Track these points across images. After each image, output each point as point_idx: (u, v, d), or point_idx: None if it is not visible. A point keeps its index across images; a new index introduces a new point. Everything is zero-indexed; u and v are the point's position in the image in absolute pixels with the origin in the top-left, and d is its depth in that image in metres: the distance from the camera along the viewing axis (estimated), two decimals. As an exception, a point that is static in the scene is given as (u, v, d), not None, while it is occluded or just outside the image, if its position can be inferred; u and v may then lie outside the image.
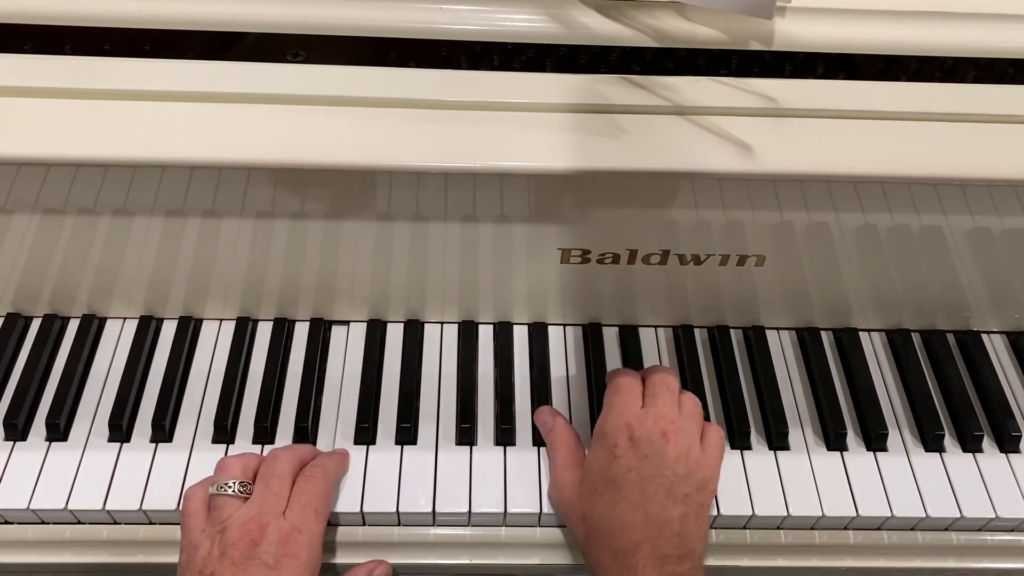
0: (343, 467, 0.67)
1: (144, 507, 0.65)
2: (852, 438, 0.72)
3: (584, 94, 0.64)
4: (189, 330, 0.76)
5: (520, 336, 0.78)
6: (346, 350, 0.76)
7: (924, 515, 0.67)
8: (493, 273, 0.73)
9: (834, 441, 0.71)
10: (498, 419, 0.71)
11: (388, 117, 0.63)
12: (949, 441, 0.72)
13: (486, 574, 0.68)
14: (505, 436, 0.70)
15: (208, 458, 0.68)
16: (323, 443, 0.70)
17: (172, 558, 0.66)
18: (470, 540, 0.67)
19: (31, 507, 0.65)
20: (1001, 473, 0.70)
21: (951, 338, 0.79)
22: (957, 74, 0.74)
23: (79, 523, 0.67)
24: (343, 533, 0.67)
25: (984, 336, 0.79)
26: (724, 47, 0.64)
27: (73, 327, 0.76)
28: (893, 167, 0.62)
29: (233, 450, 0.69)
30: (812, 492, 0.68)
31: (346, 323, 0.78)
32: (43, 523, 0.67)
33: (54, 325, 0.76)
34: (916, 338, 0.79)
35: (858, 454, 0.71)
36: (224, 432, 0.70)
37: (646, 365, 0.75)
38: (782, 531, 0.68)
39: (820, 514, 0.67)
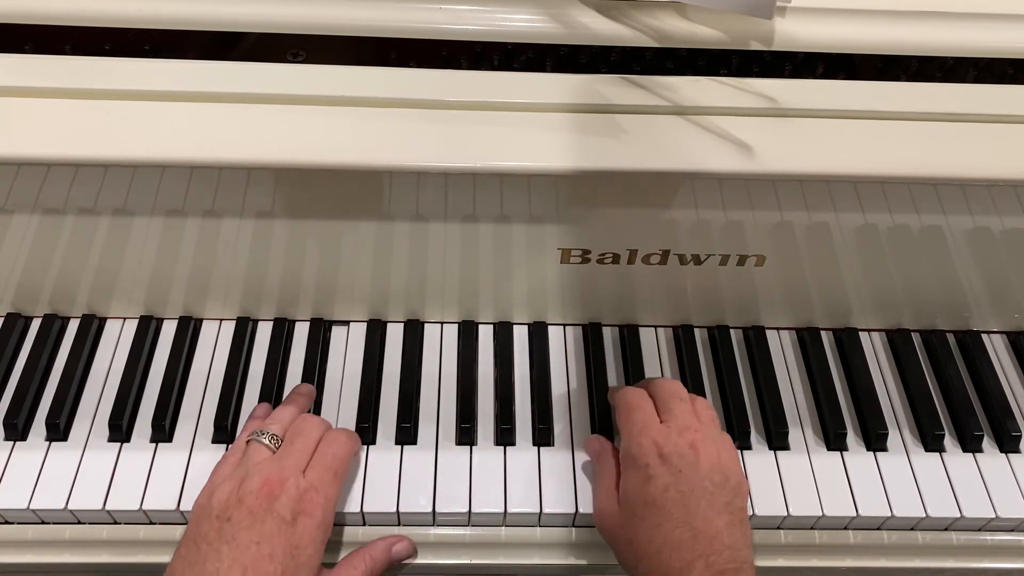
0: (359, 442, 0.68)
1: (144, 507, 0.65)
2: (852, 438, 0.72)
3: (584, 94, 0.64)
4: (189, 330, 0.76)
5: (520, 336, 0.78)
6: (346, 350, 0.76)
7: (924, 515, 0.67)
8: (493, 273, 0.73)
9: (834, 441, 0.71)
10: (498, 419, 0.71)
11: (388, 117, 0.63)
12: (949, 441, 0.72)
13: (486, 574, 0.68)
14: (505, 436, 0.70)
15: (208, 458, 0.68)
16: (323, 443, 0.70)
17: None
18: (470, 540, 0.67)
19: (31, 507, 0.65)
20: (1001, 473, 0.70)
21: (951, 338, 0.79)
22: (957, 74, 0.74)
23: (79, 523, 0.67)
24: (344, 533, 0.67)
25: (984, 336, 0.79)
26: (724, 47, 0.64)
27: (73, 327, 0.76)
28: (893, 167, 0.62)
29: (233, 450, 0.69)
30: (812, 492, 0.68)
31: (346, 323, 0.78)
32: (43, 523, 0.67)
33: (54, 325, 0.76)
34: (916, 338, 0.79)
35: (858, 454, 0.71)
36: (224, 432, 0.70)
37: (646, 365, 0.75)
38: (782, 531, 0.68)
39: (820, 514, 0.67)
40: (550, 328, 0.78)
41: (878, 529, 0.69)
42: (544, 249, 0.70)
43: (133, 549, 0.67)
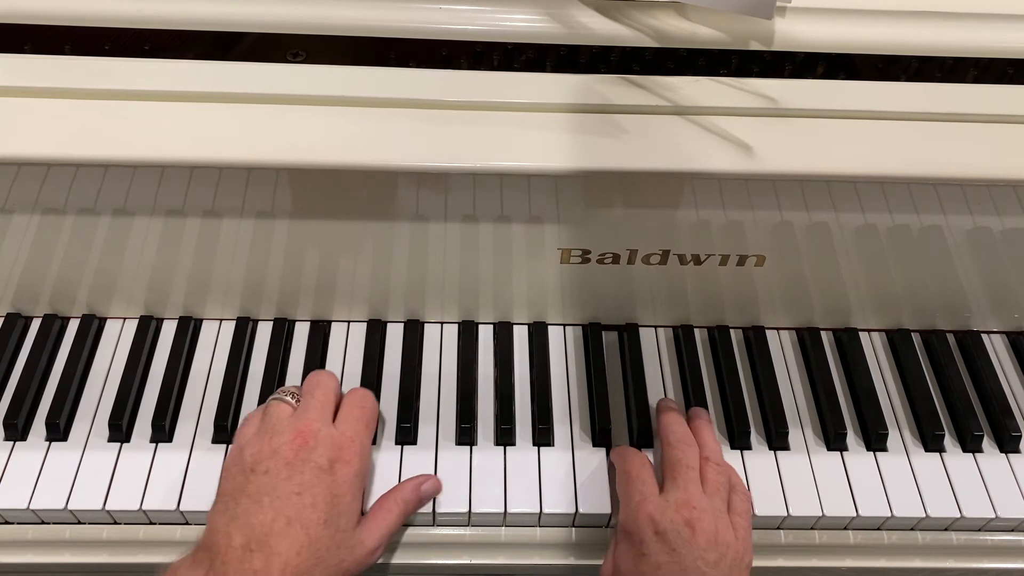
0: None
1: (144, 507, 0.65)
2: (852, 438, 0.72)
3: (584, 94, 0.64)
4: (189, 330, 0.76)
5: (520, 336, 0.78)
6: (346, 350, 0.76)
7: (924, 515, 0.67)
8: (493, 273, 0.73)
9: (834, 441, 0.71)
10: (498, 419, 0.71)
11: (388, 117, 0.63)
12: (949, 441, 0.72)
13: (486, 574, 0.68)
14: (505, 436, 0.70)
15: (208, 458, 0.68)
16: (323, 443, 0.70)
17: (172, 558, 0.66)
18: (470, 540, 0.67)
19: (31, 507, 0.65)
20: (1001, 473, 0.70)
21: (951, 338, 0.79)
22: (957, 74, 0.74)
23: (79, 523, 0.67)
24: (343, 533, 0.67)
25: (984, 336, 0.79)
26: (724, 47, 0.64)
27: (73, 327, 0.76)
28: (893, 167, 0.62)
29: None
30: (812, 492, 0.68)
31: (346, 323, 0.78)
32: (43, 523, 0.67)
33: (54, 325, 0.76)
34: (916, 338, 0.79)
35: (858, 454, 0.71)
36: (224, 432, 0.70)
37: (646, 365, 0.75)
38: (782, 531, 0.68)
39: (820, 514, 0.67)
40: (550, 328, 0.78)
41: (878, 529, 0.69)
42: (544, 249, 0.70)
43: (133, 549, 0.67)
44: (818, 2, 0.63)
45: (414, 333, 0.77)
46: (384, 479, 0.67)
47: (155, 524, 0.67)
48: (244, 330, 0.76)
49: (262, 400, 0.71)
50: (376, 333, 0.76)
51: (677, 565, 0.57)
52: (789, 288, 0.75)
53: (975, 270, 0.73)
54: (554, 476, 0.68)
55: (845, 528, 0.69)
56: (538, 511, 0.66)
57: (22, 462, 0.68)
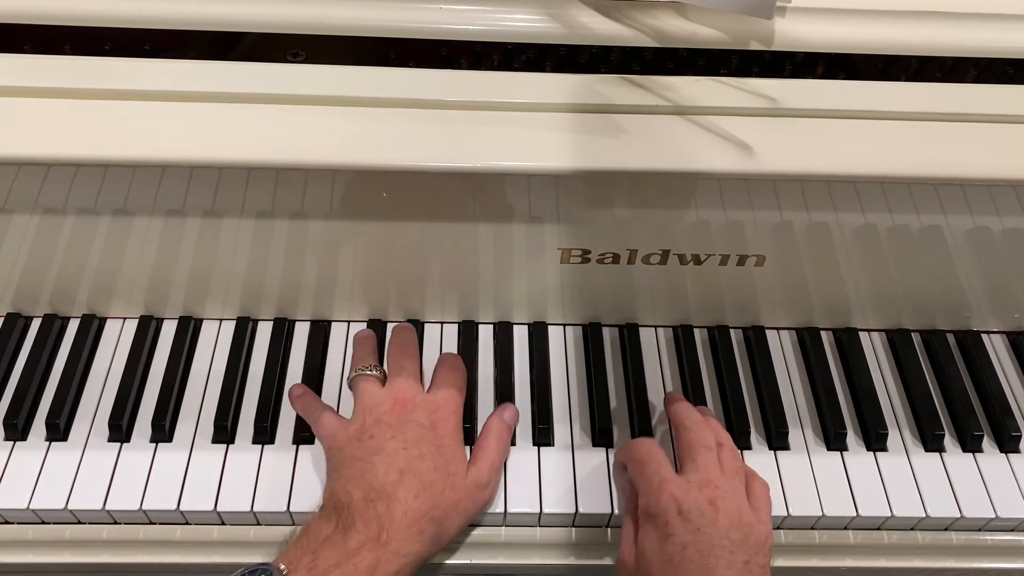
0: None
1: (144, 507, 0.65)
2: (852, 438, 0.72)
3: (584, 94, 0.64)
4: (189, 330, 0.76)
5: (520, 336, 0.78)
6: (346, 350, 0.76)
7: (924, 515, 0.67)
8: (493, 273, 0.73)
9: (834, 441, 0.71)
10: (498, 419, 0.71)
11: (388, 117, 0.63)
12: (949, 441, 0.72)
13: (486, 574, 0.68)
14: (505, 436, 0.70)
15: (208, 458, 0.68)
16: (323, 443, 0.70)
17: (172, 558, 0.66)
18: (469, 540, 0.67)
19: (31, 507, 0.65)
20: (1001, 473, 0.70)
21: (951, 338, 0.79)
22: (957, 74, 0.74)
23: (79, 523, 0.67)
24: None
25: (984, 336, 0.79)
26: (724, 47, 0.64)
27: (73, 327, 0.76)
28: (893, 167, 0.62)
29: (233, 450, 0.69)
30: (812, 492, 0.68)
31: (346, 323, 0.78)
32: (43, 523, 0.67)
33: (54, 325, 0.76)
34: (916, 338, 0.79)
35: (858, 454, 0.71)
36: (224, 432, 0.69)
37: (646, 365, 0.75)
38: (782, 531, 0.68)
39: (820, 514, 0.67)
40: (550, 328, 0.78)
41: (878, 529, 0.69)
42: (544, 249, 0.70)
43: (133, 549, 0.67)
44: (818, 2, 0.63)
45: (414, 333, 0.77)
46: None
47: (155, 524, 0.67)
48: (244, 330, 0.76)
49: (262, 400, 0.71)
50: (377, 333, 0.76)
51: (703, 544, 0.57)
52: (789, 288, 0.75)
53: (975, 270, 0.73)
54: (554, 476, 0.68)
55: (845, 528, 0.69)
56: (538, 511, 0.66)
57: (22, 462, 0.68)
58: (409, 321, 0.78)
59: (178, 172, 0.64)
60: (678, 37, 0.63)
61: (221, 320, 0.77)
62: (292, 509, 0.66)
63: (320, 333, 0.77)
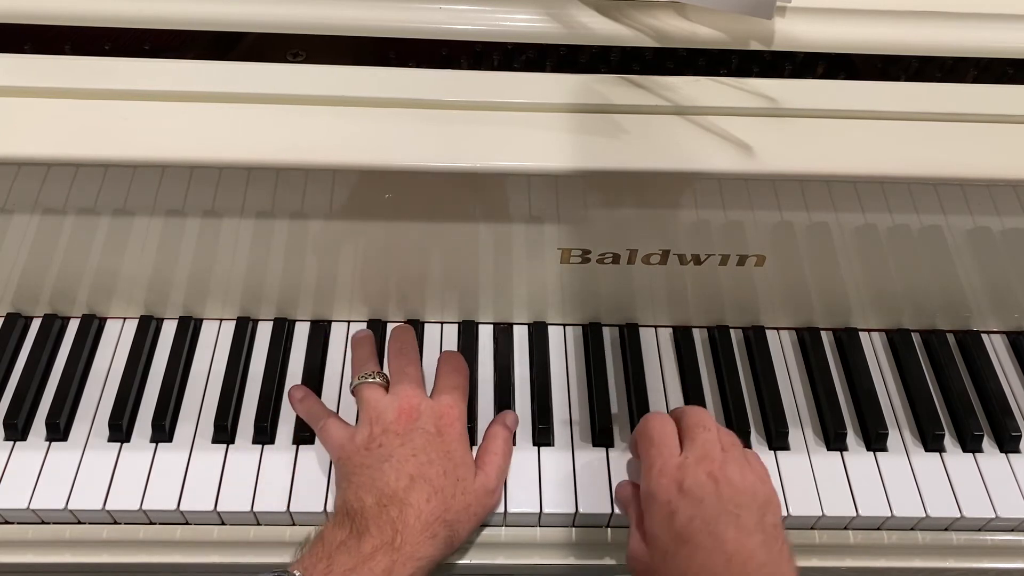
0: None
1: (144, 507, 0.65)
2: (852, 438, 0.72)
3: (584, 94, 0.64)
4: (189, 330, 0.76)
5: (520, 336, 0.78)
6: (346, 350, 0.76)
7: (924, 515, 0.67)
8: (493, 273, 0.73)
9: (834, 441, 0.71)
10: (498, 419, 0.71)
11: (388, 117, 0.63)
12: (949, 441, 0.72)
13: (486, 574, 0.68)
14: (505, 436, 0.70)
15: (208, 458, 0.68)
16: (323, 443, 0.70)
17: (172, 558, 0.66)
18: (469, 540, 0.67)
19: (31, 507, 0.65)
20: (1001, 473, 0.70)
21: (951, 338, 0.79)
22: (957, 74, 0.74)
23: (79, 523, 0.67)
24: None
25: (984, 336, 0.79)
26: (724, 47, 0.64)
27: (73, 327, 0.76)
28: (893, 167, 0.62)
29: (233, 450, 0.69)
30: (812, 492, 0.68)
31: (346, 323, 0.78)
32: (43, 523, 0.67)
33: (54, 325, 0.76)
34: (916, 338, 0.79)
35: (858, 454, 0.71)
36: (224, 432, 0.69)
37: (646, 365, 0.75)
38: (782, 531, 0.68)
39: (820, 514, 0.67)
40: (550, 328, 0.78)
41: (878, 529, 0.69)
42: (544, 249, 0.70)
43: (133, 549, 0.67)
44: (818, 2, 0.63)
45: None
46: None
47: (155, 524, 0.67)
48: (244, 330, 0.76)
49: (262, 400, 0.71)
50: (376, 333, 0.76)
51: (708, 514, 0.57)
52: (789, 288, 0.75)
53: (975, 270, 0.73)
54: (554, 476, 0.68)
55: (845, 528, 0.69)
56: (538, 511, 0.66)
57: (22, 462, 0.68)
58: (409, 321, 0.78)
59: (178, 172, 0.64)
60: (678, 37, 0.63)
61: (221, 320, 0.77)
62: (292, 509, 0.66)
63: (320, 333, 0.77)
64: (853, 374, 0.76)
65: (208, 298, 0.75)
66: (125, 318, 0.77)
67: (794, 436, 0.71)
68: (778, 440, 0.71)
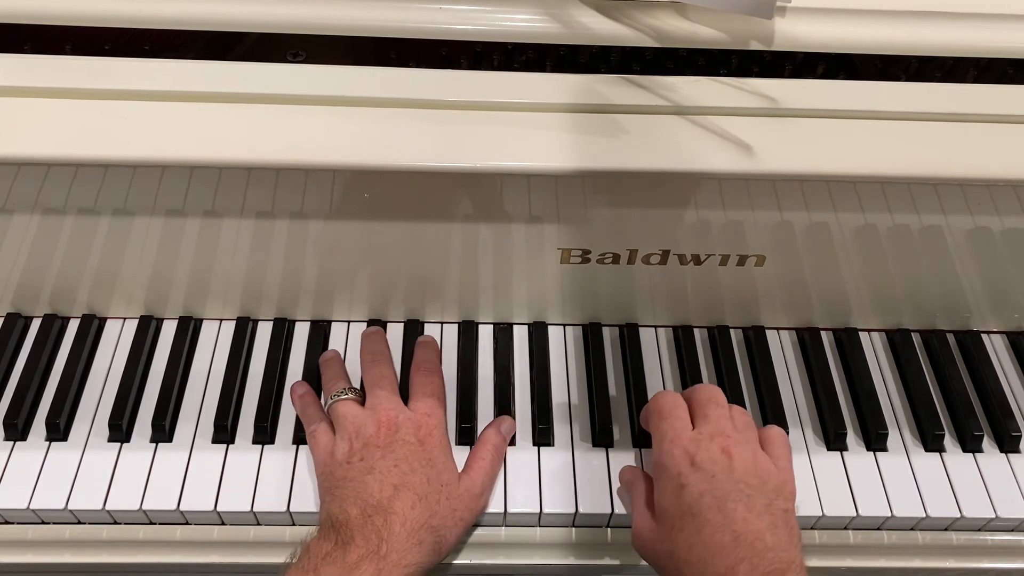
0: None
1: (144, 507, 0.65)
2: (852, 438, 0.72)
3: (584, 94, 0.64)
4: (189, 330, 0.76)
5: (520, 336, 0.78)
6: (346, 350, 0.76)
7: (924, 515, 0.67)
8: (493, 273, 0.73)
9: (834, 441, 0.71)
10: (498, 419, 0.71)
11: (388, 117, 0.63)
12: (949, 441, 0.72)
13: (486, 574, 0.68)
14: (505, 436, 0.70)
15: (208, 458, 0.68)
16: (323, 443, 0.70)
17: (172, 558, 0.66)
18: (470, 540, 0.67)
19: (31, 507, 0.65)
20: (1001, 473, 0.70)
21: (951, 338, 0.79)
22: (957, 74, 0.74)
23: (79, 523, 0.67)
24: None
25: (984, 336, 0.79)
26: (724, 47, 0.64)
27: (73, 327, 0.76)
28: (893, 167, 0.62)
29: (233, 450, 0.69)
30: (812, 492, 0.68)
31: (346, 323, 0.78)
32: (43, 523, 0.67)
33: (54, 325, 0.76)
34: (916, 338, 0.79)
35: (858, 454, 0.71)
36: (224, 432, 0.69)
37: (646, 365, 0.75)
38: (782, 531, 0.68)
39: (820, 514, 0.67)
40: (550, 328, 0.78)
41: (878, 529, 0.69)
42: (544, 249, 0.70)
43: (133, 549, 0.67)
44: (818, 2, 0.63)
45: (414, 333, 0.77)
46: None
47: (155, 524, 0.67)
48: (244, 330, 0.76)
49: (262, 400, 0.71)
50: (382, 330, 0.76)
51: (719, 490, 0.57)
52: (789, 288, 0.75)
53: (975, 270, 0.73)
54: (554, 476, 0.68)
55: (845, 528, 0.69)
56: (538, 511, 0.66)
57: (22, 462, 0.68)
58: (409, 321, 0.78)
59: (178, 172, 0.64)
60: (678, 37, 0.63)
61: (221, 320, 0.77)
62: (292, 509, 0.66)
63: (320, 333, 0.77)
64: (853, 374, 0.76)
65: (208, 298, 0.75)
66: (125, 318, 0.77)
67: (794, 436, 0.71)
68: (778, 440, 0.71)
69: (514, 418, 0.71)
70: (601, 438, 0.70)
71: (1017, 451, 0.72)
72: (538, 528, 0.68)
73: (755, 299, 0.76)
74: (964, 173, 0.62)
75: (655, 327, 0.79)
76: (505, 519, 0.67)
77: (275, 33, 0.64)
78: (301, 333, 0.77)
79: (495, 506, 0.67)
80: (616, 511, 0.66)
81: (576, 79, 0.65)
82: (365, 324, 0.77)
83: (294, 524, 0.67)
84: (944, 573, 0.69)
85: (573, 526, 0.68)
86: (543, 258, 0.71)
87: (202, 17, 0.62)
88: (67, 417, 0.70)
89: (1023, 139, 0.63)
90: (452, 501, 0.63)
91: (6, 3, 0.62)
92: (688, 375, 0.75)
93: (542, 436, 0.70)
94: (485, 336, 0.78)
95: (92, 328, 0.76)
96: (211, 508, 0.65)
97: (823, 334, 0.78)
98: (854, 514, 0.67)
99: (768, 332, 0.78)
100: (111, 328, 0.77)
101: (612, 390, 0.74)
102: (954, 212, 0.67)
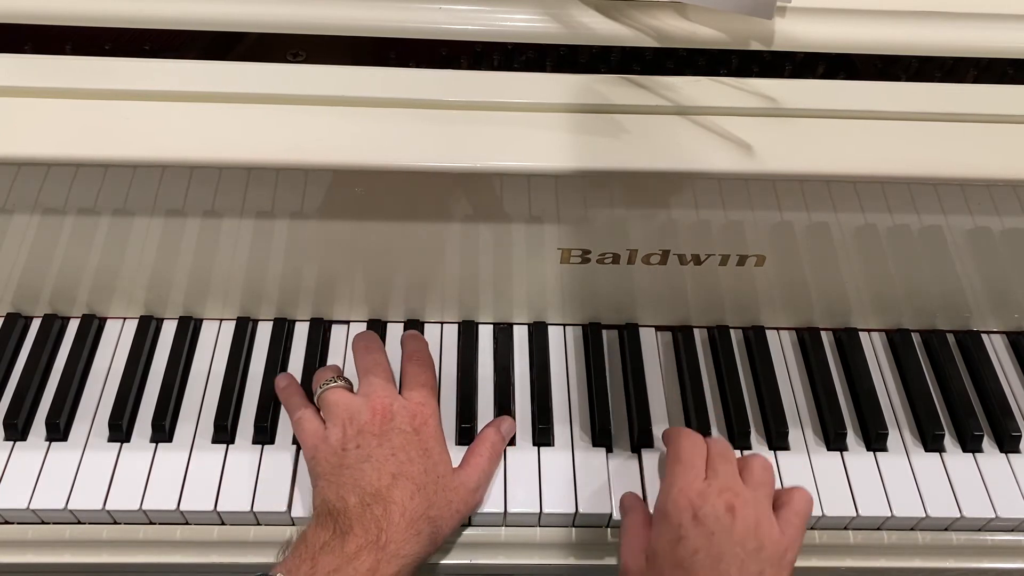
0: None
1: (144, 507, 0.65)
2: (852, 438, 0.72)
3: (584, 94, 0.64)
4: (189, 330, 0.76)
5: (520, 336, 0.78)
6: (346, 350, 0.76)
7: (924, 515, 0.67)
8: (493, 273, 0.73)
9: (834, 441, 0.71)
10: (498, 419, 0.71)
11: (388, 117, 0.63)
12: (949, 441, 0.72)
13: (486, 574, 0.68)
14: (505, 436, 0.70)
15: (208, 458, 0.68)
16: (323, 443, 0.70)
17: (172, 558, 0.66)
18: (469, 540, 0.67)
19: (31, 507, 0.65)
20: (1001, 473, 0.70)
21: (951, 338, 0.79)
22: (957, 74, 0.74)
23: (79, 523, 0.67)
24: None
25: (984, 336, 0.79)
26: (724, 47, 0.64)
27: (73, 327, 0.76)
28: (893, 167, 0.62)
29: (233, 450, 0.69)
30: (812, 492, 0.67)
31: (346, 323, 0.78)
32: (43, 523, 0.67)
33: (54, 325, 0.76)
34: (916, 338, 0.79)
35: (858, 454, 0.71)
36: (224, 432, 0.69)
37: (646, 365, 0.75)
38: (782, 531, 0.68)
39: (820, 514, 0.67)
40: (550, 328, 0.78)
41: (878, 529, 0.69)
42: (544, 249, 0.70)
43: (133, 549, 0.67)
44: (818, 2, 0.63)
45: (414, 333, 0.77)
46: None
47: (155, 524, 0.67)
48: (244, 330, 0.76)
49: (262, 400, 0.71)
50: (376, 333, 0.76)
51: (715, 550, 0.57)
52: (789, 288, 0.75)
53: (975, 270, 0.73)
54: (554, 476, 0.68)
55: (845, 528, 0.69)
56: (538, 511, 0.66)
57: (22, 462, 0.68)
58: (409, 321, 0.78)
59: (178, 172, 0.64)
60: (678, 37, 0.63)
61: (221, 320, 0.77)
62: (292, 509, 0.66)
63: (320, 333, 0.77)
64: (853, 374, 0.76)
65: (208, 298, 0.75)
66: (125, 318, 0.77)
67: (794, 436, 0.71)
68: (778, 440, 0.71)
69: (514, 418, 0.71)
70: (601, 438, 0.70)
71: (1017, 451, 0.72)
72: (538, 528, 0.68)
73: (755, 299, 0.76)
74: (964, 173, 0.62)
75: (655, 327, 0.79)
76: (505, 519, 0.67)
77: (275, 33, 0.64)
78: (301, 333, 0.77)
79: (495, 506, 0.67)
80: (616, 513, 0.66)
81: (576, 79, 0.65)
82: (365, 324, 0.77)
83: (294, 524, 0.67)
84: (944, 573, 0.69)
85: (573, 526, 0.68)
86: (543, 258, 0.71)
87: (202, 17, 0.62)
88: (67, 417, 0.70)
89: (1023, 139, 0.63)
90: (449, 493, 0.63)
91: (6, 3, 0.62)
92: (688, 375, 0.75)
93: (542, 436, 0.70)
94: (485, 336, 0.78)
95: (92, 328, 0.76)
96: (211, 508, 0.65)
97: (823, 334, 0.78)
98: (854, 514, 0.67)
99: (768, 332, 0.78)
100: (111, 328, 0.77)
101: (612, 390, 0.74)
102: (954, 212, 0.67)
